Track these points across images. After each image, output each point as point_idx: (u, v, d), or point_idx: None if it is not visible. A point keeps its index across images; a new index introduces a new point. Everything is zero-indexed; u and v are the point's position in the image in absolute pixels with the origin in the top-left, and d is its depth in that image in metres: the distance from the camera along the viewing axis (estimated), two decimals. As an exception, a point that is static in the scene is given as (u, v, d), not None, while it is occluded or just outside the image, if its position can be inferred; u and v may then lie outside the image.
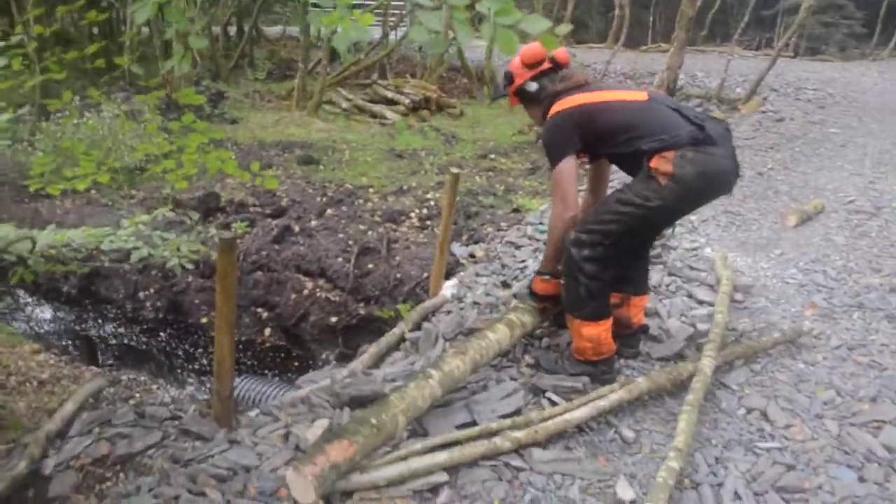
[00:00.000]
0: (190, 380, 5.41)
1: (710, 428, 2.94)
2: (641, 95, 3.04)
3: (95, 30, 16.50)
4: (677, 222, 5.44)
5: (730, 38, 19.67)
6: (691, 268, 4.62)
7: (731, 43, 16.59)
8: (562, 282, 3.18)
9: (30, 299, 6.74)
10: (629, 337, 3.46)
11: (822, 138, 9.04)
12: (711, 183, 2.90)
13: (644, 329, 3.57)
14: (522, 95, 3.19)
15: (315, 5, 2.13)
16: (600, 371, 3.18)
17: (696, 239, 5.33)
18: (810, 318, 3.90)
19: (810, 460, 2.70)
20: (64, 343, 5.91)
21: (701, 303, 4.10)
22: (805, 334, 3.62)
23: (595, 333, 3.10)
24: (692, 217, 5.81)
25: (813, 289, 4.33)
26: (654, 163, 2.84)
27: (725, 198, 6.20)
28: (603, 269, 3.03)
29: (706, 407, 3.02)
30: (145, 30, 14.97)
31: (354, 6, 2.03)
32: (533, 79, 3.12)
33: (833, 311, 3.99)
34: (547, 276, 3.28)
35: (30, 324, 6.30)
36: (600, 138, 3.01)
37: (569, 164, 3.00)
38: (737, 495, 2.50)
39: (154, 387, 4.17)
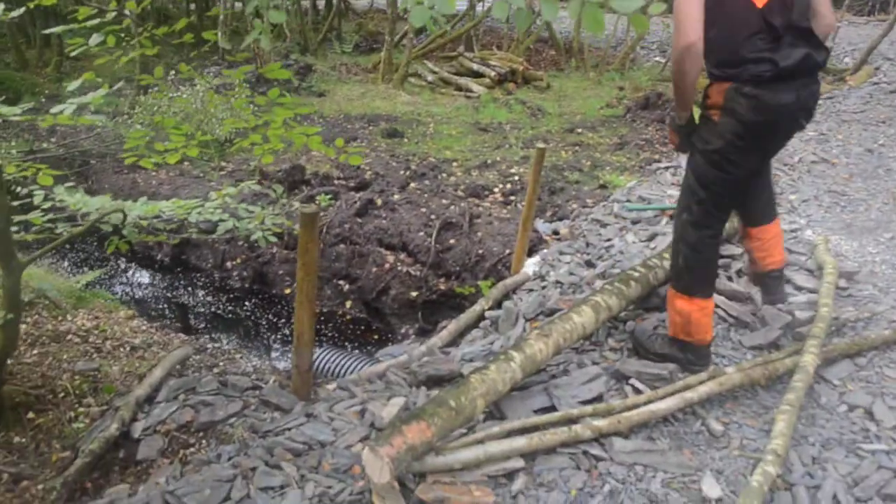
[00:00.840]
0: (273, 349, 5.53)
1: (806, 424, 2.74)
2: None
3: (193, 6, 17.02)
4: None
5: (839, 3, 18.40)
6: (790, 251, 4.33)
7: (840, 8, 15.50)
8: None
9: (129, 265, 7.06)
10: (762, 283, 3.36)
11: (942, 112, 8.33)
12: (768, 116, 2.61)
13: (776, 274, 3.37)
14: None
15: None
16: (688, 360, 3.01)
17: (795, 220, 5.01)
18: (924, 310, 3.59)
19: (922, 467, 2.47)
20: (156, 309, 6.15)
21: (800, 289, 3.83)
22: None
23: (686, 309, 2.91)
24: (791, 196, 5.48)
25: (929, 277, 3.99)
26: (710, 93, 2.68)
27: (830, 177, 5.89)
28: (701, 237, 2.86)
29: (803, 402, 2.82)
30: (239, 5, 15.31)
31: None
32: None
33: (951, 301, 3.66)
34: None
35: (126, 289, 6.59)
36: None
37: None
38: (836, 500, 2.32)
39: (237, 356, 4.27)
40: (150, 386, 3.40)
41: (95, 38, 2.97)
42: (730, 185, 2.83)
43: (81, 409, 3.25)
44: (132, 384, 3.53)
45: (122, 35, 3.09)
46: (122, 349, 4.00)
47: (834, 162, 6.45)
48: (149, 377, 3.48)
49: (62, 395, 3.32)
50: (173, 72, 8.59)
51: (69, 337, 3.97)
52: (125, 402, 3.21)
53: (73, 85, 2.98)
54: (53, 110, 2.90)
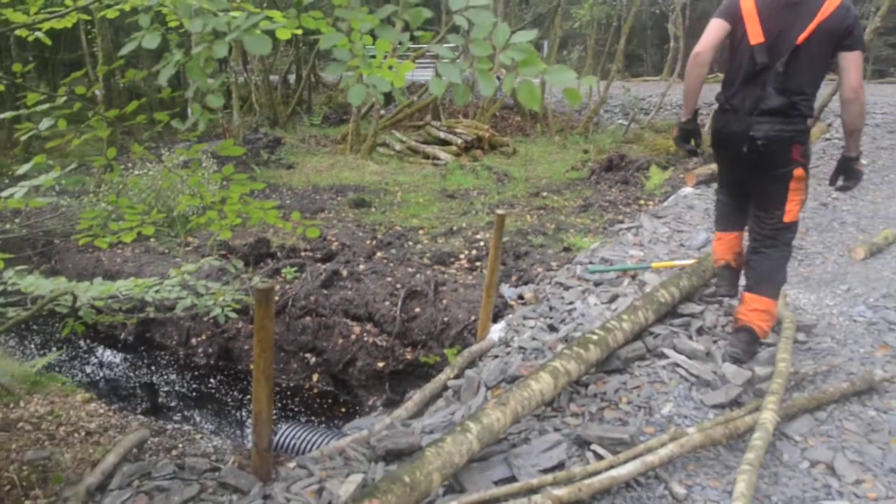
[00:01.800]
0: (236, 426, 5.40)
1: (769, 483, 2.72)
2: (758, 37, 3.13)
3: (165, 84, 17.20)
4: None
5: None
6: (750, 307, 4.37)
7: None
8: None
9: (91, 345, 6.91)
10: (733, 335, 3.65)
11: (893, 164, 8.61)
12: (719, 137, 3.45)
13: (745, 329, 3.57)
14: None
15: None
16: (716, 284, 3.96)
17: (755, 275, 5.07)
18: (881, 360, 3.62)
19: (883, 523, 2.45)
20: (119, 390, 6.00)
21: (760, 344, 3.86)
22: (877, 383, 3.32)
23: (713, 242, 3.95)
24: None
25: (884, 327, 4.02)
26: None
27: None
28: (718, 196, 3.89)
29: (765, 460, 2.80)
30: (211, 81, 15.50)
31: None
32: None
33: (907, 352, 3.70)
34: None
35: (87, 370, 6.43)
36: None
37: (715, 21, 3.25)
38: (800, 562, 2.29)
39: (198, 436, 4.15)
40: (103, 473, 3.28)
41: (46, 123, 2.98)
42: (721, 175, 3.81)
43: (28, 503, 3.12)
44: (84, 472, 3.40)
45: (90, 115, 3.11)
46: (76, 435, 3.87)
47: (790, 217, 6.58)
48: (101, 463, 3.36)
49: (8, 487, 3.18)
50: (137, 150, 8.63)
51: (20, 424, 3.84)
52: (74, 493, 3.08)
53: (23, 168, 2.98)
54: (3, 194, 2.89)
